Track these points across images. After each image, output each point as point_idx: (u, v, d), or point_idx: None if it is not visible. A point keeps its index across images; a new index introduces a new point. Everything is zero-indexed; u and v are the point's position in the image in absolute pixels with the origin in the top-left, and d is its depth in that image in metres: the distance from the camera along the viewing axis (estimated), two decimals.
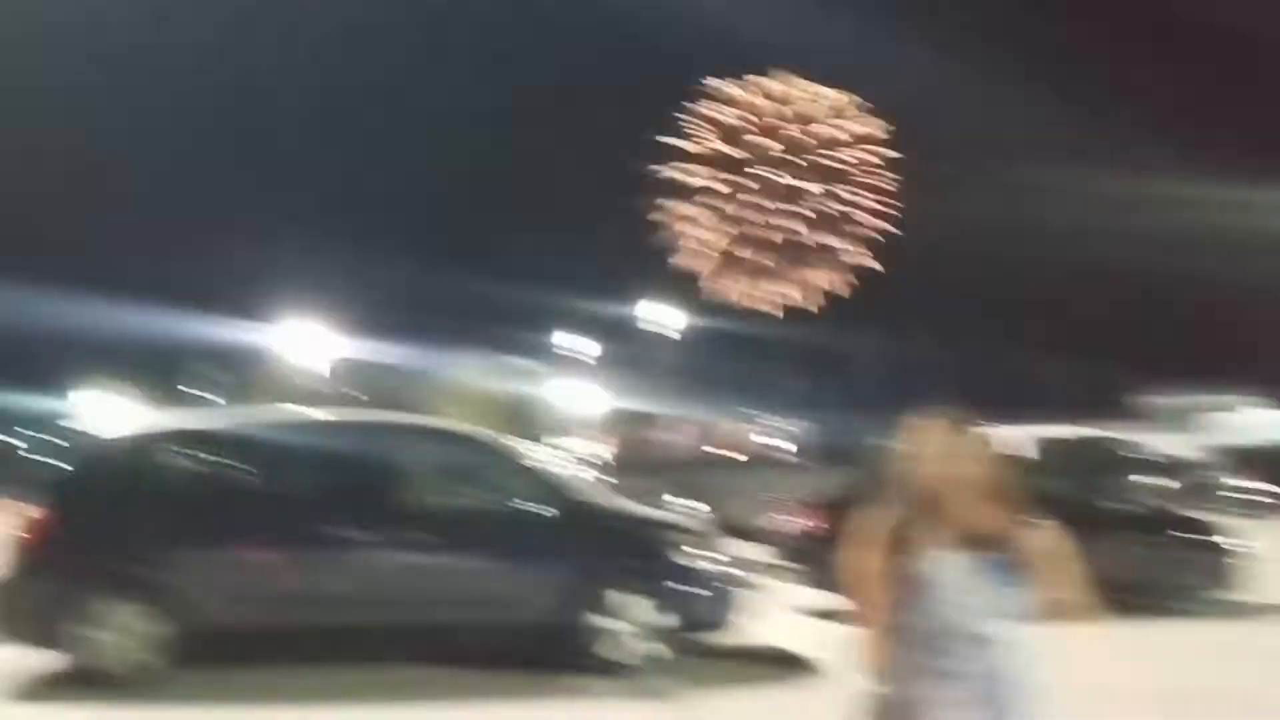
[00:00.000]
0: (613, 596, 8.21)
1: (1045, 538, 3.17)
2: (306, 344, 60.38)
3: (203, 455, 8.94)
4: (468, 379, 76.20)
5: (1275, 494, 26.11)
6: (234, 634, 8.02)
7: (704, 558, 8.55)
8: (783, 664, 8.80)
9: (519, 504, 8.51)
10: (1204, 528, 12.32)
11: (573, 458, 24.65)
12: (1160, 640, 10.08)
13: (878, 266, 67.47)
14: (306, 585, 8.17)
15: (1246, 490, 26.54)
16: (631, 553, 8.59)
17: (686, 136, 69.03)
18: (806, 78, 67.86)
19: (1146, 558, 11.60)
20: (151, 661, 7.89)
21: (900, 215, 67.46)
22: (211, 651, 8.01)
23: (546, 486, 8.72)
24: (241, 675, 8.03)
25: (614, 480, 14.81)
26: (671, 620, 8.25)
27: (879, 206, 68.61)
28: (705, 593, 8.44)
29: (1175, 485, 28.64)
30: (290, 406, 12.38)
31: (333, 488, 8.65)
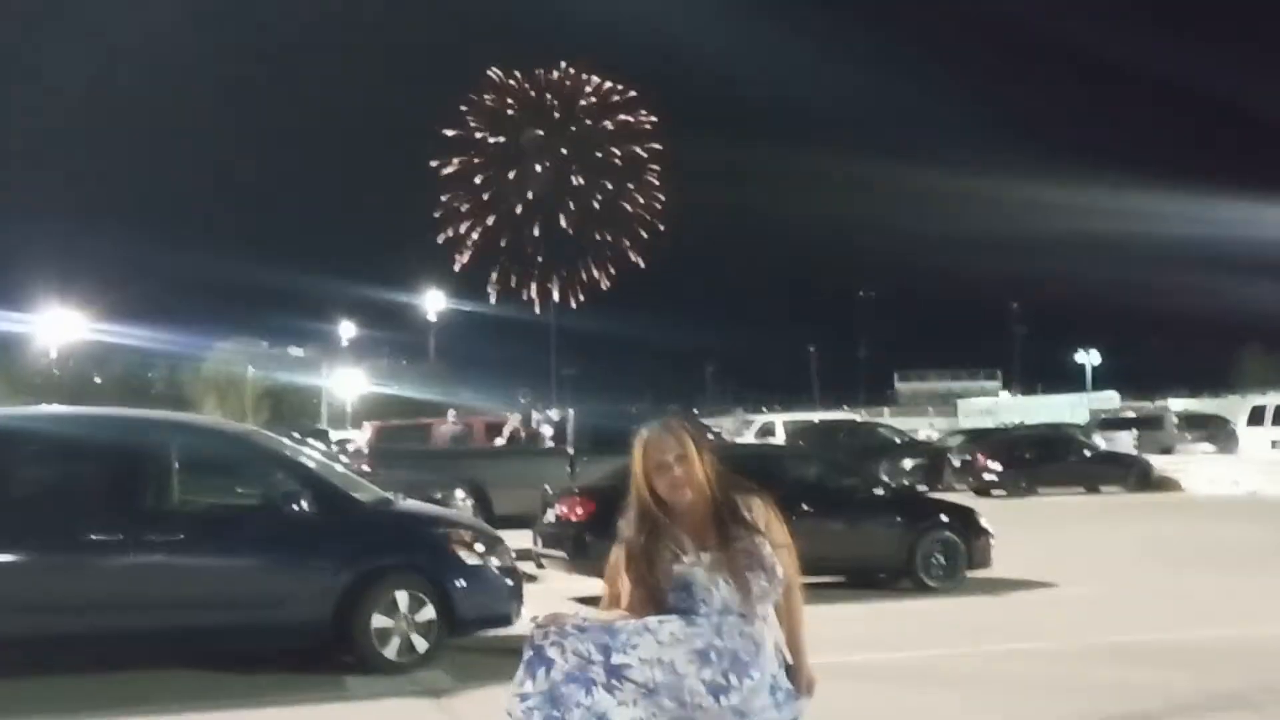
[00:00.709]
0: (385, 593, 8.11)
1: (764, 514, 3.28)
2: (60, 332, 56.61)
3: None
4: (231, 367, 73.21)
5: (1000, 472, 27.89)
6: None
7: (478, 551, 8.53)
8: None
9: (283, 501, 8.26)
10: (938, 508, 13.09)
11: (338, 449, 24.07)
12: (875, 614, 10.71)
13: (640, 262, 68.59)
14: (54, 590, 7.72)
15: (978, 469, 28.27)
16: (403, 548, 8.51)
17: (460, 128, 68.19)
18: (591, 70, 68.17)
19: (882, 537, 12.24)
20: None
21: (664, 209, 68.72)
22: None
23: (312, 482, 8.51)
24: None
25: (379, 471, 14.55)
26: (447, 615, 8.21)
27: (642, 201, 69.69)
28: (482, 587, 8.43)
29: (914, 465, 30.33)
30: (39, 406, 11.64)
31: (81, 488, 8.24)
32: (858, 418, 46.80)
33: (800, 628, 3.36)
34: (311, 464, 9.10)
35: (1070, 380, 76.93)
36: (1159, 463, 30.11)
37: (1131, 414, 43.88)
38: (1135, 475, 28.71)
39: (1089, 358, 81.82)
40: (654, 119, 69.16)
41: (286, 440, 11.29)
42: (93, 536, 7.79)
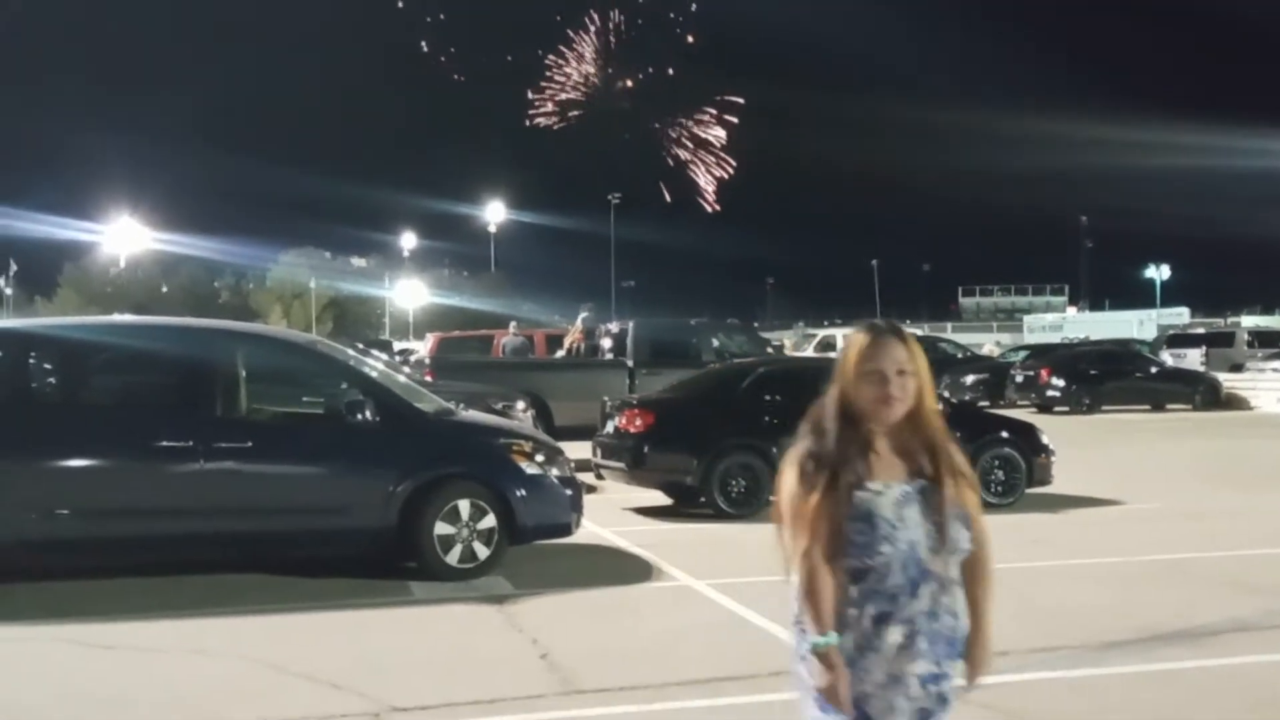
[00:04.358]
0: (447, 502, 8.24)
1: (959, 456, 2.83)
2: (128, 242, 57.26)
3: (7, 360, 8.50)
4: (295, 277, 74.10)
5: (1063, 388, 27.57)
6: (46, 546, 7.79)
7: (538, 462, 8.63)
8: (612, 561, 9.03)
9: (348, 410, 8.37)
10: (999, 424, 12.94)
11: (400, 360, 24.32)
12: None
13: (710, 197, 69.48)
14: (126, 496, 7.95)
15: (1040, 385, 27.95)
16: (465, 458, 8.62)
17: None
18: None
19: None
20: None
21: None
22: (23, 565, 7.79)
23: (376, 392, 8.61)
24: (59, 588, 7.82)
25: (441, 382, 14.69)
26: (508, 524, 8.34)
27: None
28: (542, 497, 8.54)
29: (976, 380, 30.07)
30: (109, 316, 11.86)
31: (152, 396, 8.43)
32: (919, 332, 46.43)
33: (989, 593, 2.83)
34: (375, 374, 9.21)
35: (1140, 296, 75.60)
36: (1228, 380, 29.57)
37: (1201, 330, 43.00)
38: (1202, 393, 28.23)
39: (1159, 273, 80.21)
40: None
41: (350, 351, 11.44)
42: (164, 444, 7.97)
